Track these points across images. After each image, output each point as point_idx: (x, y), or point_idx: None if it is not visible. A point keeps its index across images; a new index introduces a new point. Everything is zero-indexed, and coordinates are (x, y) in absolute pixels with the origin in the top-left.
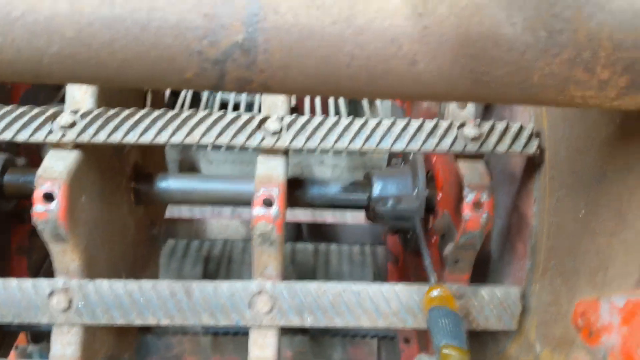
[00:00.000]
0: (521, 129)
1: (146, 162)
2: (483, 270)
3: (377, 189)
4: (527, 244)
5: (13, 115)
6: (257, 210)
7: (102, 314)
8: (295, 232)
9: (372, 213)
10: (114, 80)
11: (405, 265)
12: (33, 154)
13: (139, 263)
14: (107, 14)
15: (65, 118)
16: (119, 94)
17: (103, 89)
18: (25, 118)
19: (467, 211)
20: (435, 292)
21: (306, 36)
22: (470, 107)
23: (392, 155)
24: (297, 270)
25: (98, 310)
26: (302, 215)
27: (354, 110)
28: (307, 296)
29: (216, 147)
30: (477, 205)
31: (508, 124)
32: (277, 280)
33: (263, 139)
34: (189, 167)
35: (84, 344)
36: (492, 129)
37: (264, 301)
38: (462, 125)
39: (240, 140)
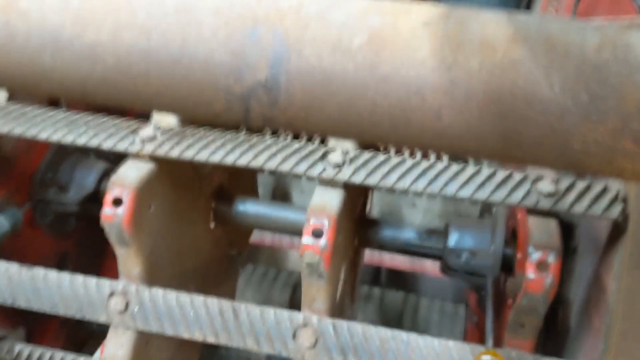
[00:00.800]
0: (605, 190)
1: (232, 185)
2: (560, 344)
3: (452, 239)
4: (604, 321)
5: (102, 125)
6: (306, 239)
7: (153, 322)
8: (373, 276)
9: (445, 265)
10: (151, 107)
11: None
12: None
13: (212, 280)
14: (144, 45)
15: (146, 132)
16: None
17: None
18: (113, 128)
19: (530, 271)
20: (486, 357)
21: (328, 80)
22: None
23: (485, 207)
24: (382, 314)
25: (150, 317)
26: (399, 259)
27: None
28: (354, 337)
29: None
30: (541, 266)
31: (590, 183)
32: (325, 316)
33: (323, 170)
34: (281, 194)
35: (136, 348)
36: (571, 186)
37: (309, 335)
38: (538, 179)
39: (301, 168)
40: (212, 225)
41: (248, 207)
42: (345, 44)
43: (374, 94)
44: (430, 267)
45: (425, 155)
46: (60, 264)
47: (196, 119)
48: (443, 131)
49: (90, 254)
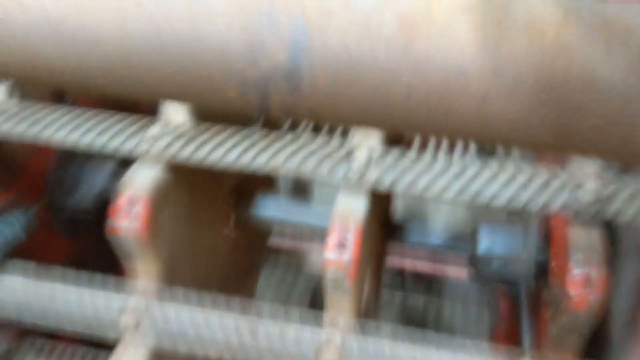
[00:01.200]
0: None
1: (250, 182)
2: (603, 355)
3: (482, 245)
4: None
5: (107, 122)
6: (329, 253)
7: (166, 339)
8: (398, 279)
9: (474, 271)
10: (157, 95)
11: (517, 333)
12: None
13: (232, 285)
14: (152, 35)
15: (154, 130)
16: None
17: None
18: (119, 126)
19: (572, 288)
20: None
21: (356, 63)
22: None
23: None
24: (405, 317)
25: (163, 335)
26: (420, 264)
27: None
28: (379, 357)
29: None
30: (585, 282)
31: (638, 187)
32: (349, 333)
33: (347, 171)
34: (302, 187)
35: None
36: (616, 191)
37: (332, 354)
38: (579, 184)
39: (323, 170)
40: (231, 225)
41: (268, 207)
42: (374, 31)
43: (410, 77)
44: (453, 269)
45: (451, 147)
46: (78, 265)
47: (207, 107)
48: (488, 119)
49: (108, 253)
